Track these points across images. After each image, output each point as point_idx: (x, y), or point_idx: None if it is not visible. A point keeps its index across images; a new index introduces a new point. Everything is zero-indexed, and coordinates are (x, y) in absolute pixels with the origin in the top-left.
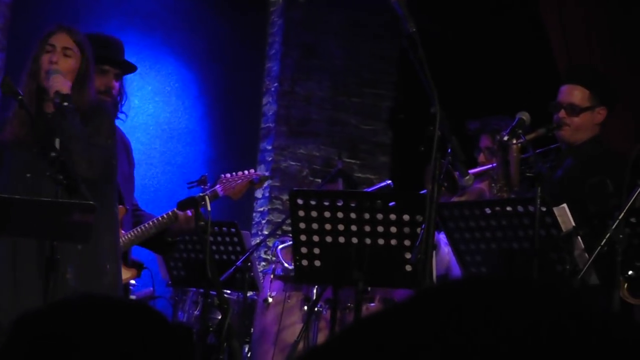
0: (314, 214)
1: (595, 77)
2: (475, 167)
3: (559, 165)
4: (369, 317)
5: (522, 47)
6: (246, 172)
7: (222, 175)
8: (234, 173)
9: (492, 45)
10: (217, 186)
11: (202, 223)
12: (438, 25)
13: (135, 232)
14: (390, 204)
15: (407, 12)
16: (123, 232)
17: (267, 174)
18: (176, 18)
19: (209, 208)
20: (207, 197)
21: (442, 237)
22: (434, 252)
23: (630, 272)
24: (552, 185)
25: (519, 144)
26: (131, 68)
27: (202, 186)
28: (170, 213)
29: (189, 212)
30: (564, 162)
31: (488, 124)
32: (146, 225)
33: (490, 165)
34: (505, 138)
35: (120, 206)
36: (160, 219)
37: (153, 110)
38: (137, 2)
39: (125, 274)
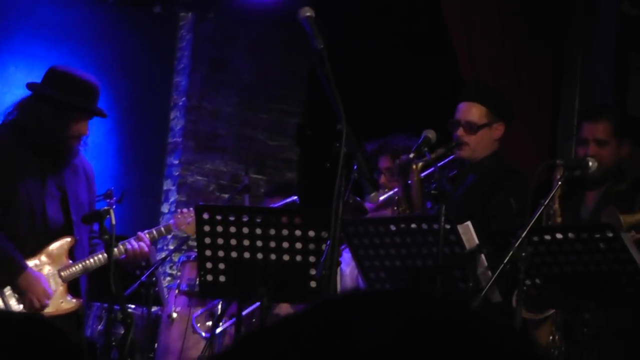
0: (219, 229)
1: (491, 93)
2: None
3: (461, 182)
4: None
5: (429, 64)
6: None
7: (179, 210)
8: (190, 208)
9: (399, 62)
10: (172, 220)
11: (107, 237)
12: (346, 42)
13: (84, 262)
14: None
15: (315, 29)
16: (70, 262)
17: None
18: (84, 31)
19: (114, 222)
20: (111, 210)
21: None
22: (339, 269)
23: (527, 282)
24: (455, 202)
25: (421, 164)
26: (103, 114)
27: (108, 200)
28: (120, 247)
29: (137, 246)
30: (466, 179)
31: (387, 145)
32: (95, 257)
33: (394, 191)
34: (411, 156)
35: (69, 237)
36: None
37: None
38: (45, 15)
39: (68, 304)
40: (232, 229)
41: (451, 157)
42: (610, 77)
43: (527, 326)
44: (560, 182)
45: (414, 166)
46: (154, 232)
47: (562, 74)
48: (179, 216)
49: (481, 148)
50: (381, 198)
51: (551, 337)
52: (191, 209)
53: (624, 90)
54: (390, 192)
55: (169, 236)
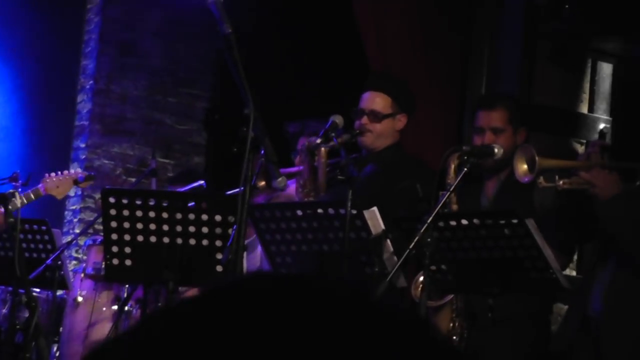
0: (125, 212)
1: (396, 84)
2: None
3: (360, 171)
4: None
5: (338, 51)
6: (72, 171)
7: (47, 175)
8: (59, 172)
9: (309, 48)
10: (40, 185)
11: (12, 220)
12: (256, 27)
13: None
14: (190, 204)
15: (223, 14)
16: None
17: (93, 174)
18: None
19: (19, 205)
20: (17, 193)
21: None
22: (245, 253)
23: (432, 267)
24: (356, 190)
25: (328, 148)
26: None
27: (14, 183)
28: None
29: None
30: (365, 168)
31: (307, 126)
32: None
33: (299, 168)
34: (318, 141)
35: None
36: None
37: None
38: None
39: None
40: (139, 213)
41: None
42: (517, 66)
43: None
44: (465, 169)
45: (322, 150)
46: (23, 197)
47: (469, 62)
48: (48, 180)
49: (383, 137)
50: (286, 170)
51: (452, 324)
52: (60, 173)
53: (530, 79)
54: (296, 168)
55: (75, 220)
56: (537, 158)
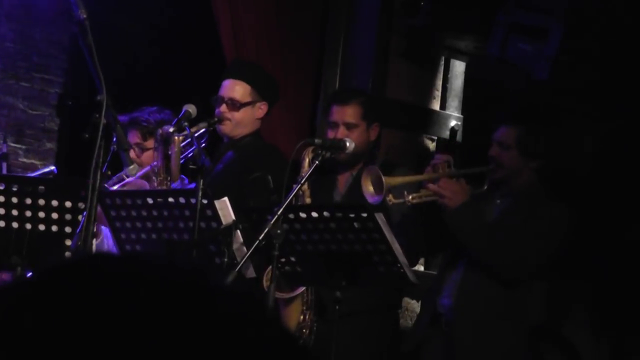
0: None
1: (257, 73)
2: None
3: (219, 158)
4: None
5: (193, 40)
6: None
7: None
8: None
9: (164, 36)
10: None
11: None
12: (111, 13)
13: None
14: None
15: None
16: None
17: None
18: None
19: None
20: None
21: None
22: (94, 240)
23: (281, 259)
24: (212, 178)
25: (182, 137)
26: None
27: None
28: None
29: None
30: (224, 156)
31: (137, 119)
32: None
33: (150, 166)
34: (171, 130)
35: None
36: None
37: None
38: None
39: None
40: None
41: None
42: (371, 61)
43: (277, 305)
44: (317, 162)
45: (175, 138)
46: None
47: (324, 56)
48: None
49: (242, 125)
50: (138, 174)
51: (302, 316)
52: None
53: (383, 74)
54: (147, 168)
55: None
56: (383, 178)
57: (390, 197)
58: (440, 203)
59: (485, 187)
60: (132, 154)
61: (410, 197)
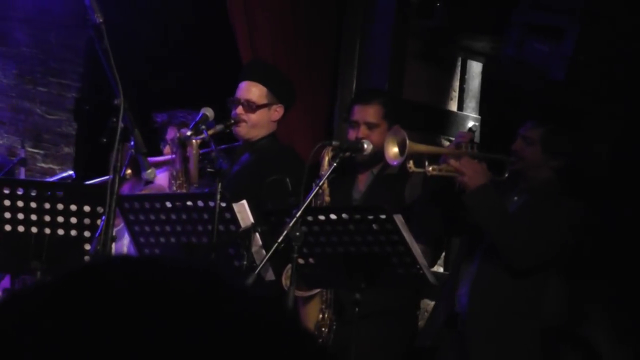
0: None
1: (273, 75)
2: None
3: (236, 160)
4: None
5: (209, 42)
6: None
7: None
8: None
9: (181, 39)
10: None
11: None
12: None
13: None
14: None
15: (94, 3)
16: None
17: None
18: None
19: None
20: None
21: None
22: (114, 244)
23: (300, 261)
24: (230, 181)
25: (199, 140)
26: None
27: None
28: None
29: None
30: (241, 158)
31: (175, 117)
32: None
33: (171, 156)
34: (189, 133)
35: None
36: None
37: None
38: None
39: None
40: (7, 202)
41: (234, 144)
42: (387, 62)
43: (296, 303)
44: (335, 163)
45: (193, 141)
46: None
47: (340, 57)
48: None
49: (258, 127)
50: (155, 159)
51: (321, 315)
52: None
53: (400, 75)
54: (166, 157)
55: None
56: (407, 141)
57: (410, 165)
58: (460, 181)
59: (506, 176)
60: (166, 149)
61: (430, 167)
